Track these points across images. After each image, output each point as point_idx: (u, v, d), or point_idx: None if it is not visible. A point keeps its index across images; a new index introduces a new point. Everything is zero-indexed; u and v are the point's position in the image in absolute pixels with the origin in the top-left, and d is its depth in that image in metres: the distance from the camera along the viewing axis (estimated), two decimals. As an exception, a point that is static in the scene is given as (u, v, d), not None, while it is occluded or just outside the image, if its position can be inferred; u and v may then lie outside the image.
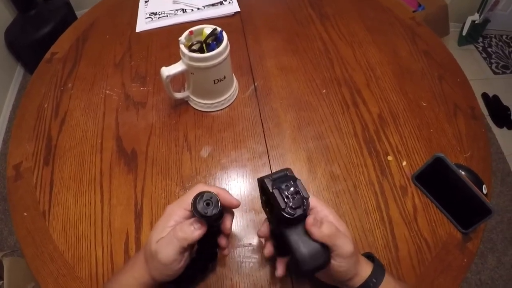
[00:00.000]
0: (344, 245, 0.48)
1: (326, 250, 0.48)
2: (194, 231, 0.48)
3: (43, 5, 2.30)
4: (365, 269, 0.51)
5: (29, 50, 2.20)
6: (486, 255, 1.66)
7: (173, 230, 0.48)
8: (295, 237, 0.49)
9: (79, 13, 2.48)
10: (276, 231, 0.54)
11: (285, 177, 0.50)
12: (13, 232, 0.70)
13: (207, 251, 0.59)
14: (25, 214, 0.72)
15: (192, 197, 0.49)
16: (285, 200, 0.47)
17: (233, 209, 0.55)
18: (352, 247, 0.48)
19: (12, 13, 2.31)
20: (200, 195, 0.49)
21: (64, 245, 0.68)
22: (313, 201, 0.51)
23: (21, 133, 0.85)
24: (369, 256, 0.55)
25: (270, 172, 0.53)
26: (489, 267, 1.63)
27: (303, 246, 0.48)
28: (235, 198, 0.53)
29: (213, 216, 0.48)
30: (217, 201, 0.49)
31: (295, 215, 0.47)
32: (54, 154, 0.81)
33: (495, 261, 1.65)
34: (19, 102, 0.92)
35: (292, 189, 0.48)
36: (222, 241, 0.56)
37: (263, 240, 0.65)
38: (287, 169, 0.51)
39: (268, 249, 0.55)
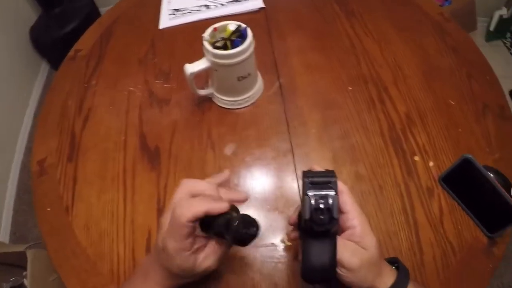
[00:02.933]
0: (349, 259, 0.46)
1: (334, 266, 0.46)
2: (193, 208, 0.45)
3: (67, 2, 2.33)
4: (386, 281, 0.48)
5: (53, 48, 2.23)
6: (509, 257, 1.62)
7: (172, 213, 0.46)
8: (308, 244, 0.46)
9: (103, 10, 2.50)
10: (299, 226, 0.52)
11: (326, 185, 0.45)
12: (38, 224, 0.72)
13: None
14: (49, 209, 0.73)
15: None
16: (311, 212, 0.44)
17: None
18: (357, 263, 0.46)
19: (37, 11, 2.35)
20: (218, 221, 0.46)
21: (87, 241, 0.68)
22: (348, 205, 0.48)
23: (45, 129, 0.86)
24: (395, 262, 0.53)
25: (309, 171, 0.48)
26: (512, 270, 1.59)
27: (312, 256, 0.46)
28: (238, 194, 0.52)
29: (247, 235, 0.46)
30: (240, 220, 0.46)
31: (314, 230, 0.45)
32: (78, 151, 0.81)
33: (518, 264, 1.60)
34: (44, 98, 0.93)
35: (325, 203, 0.44)
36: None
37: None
38: (332, 175, 0.46)
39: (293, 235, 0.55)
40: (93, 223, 0.70)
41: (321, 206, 0.44)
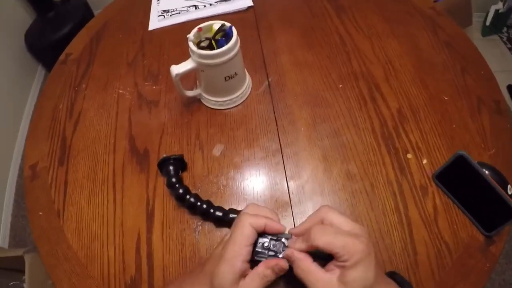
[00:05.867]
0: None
1: None
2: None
3: (61, 6, 2.33)
4: None
5: (49, 52, 2.23)
6: (510, 255, 1.61)
7: (236, 220, 0.50)
8: None
9: (97, 12, 2.50)
10: None
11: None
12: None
13: None
14: (41, 213, 0.73)
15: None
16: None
17: None
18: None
19: (32, 15, 2.35)
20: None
21: (78, 245, 0.68)
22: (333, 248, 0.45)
23: (37, 133, 0.86)
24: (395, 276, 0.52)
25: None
26: (514, 267, 1.58)
27: None
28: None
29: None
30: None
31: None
32: (69, 154, 0.81)
33: (519, 261, 1.59)
34: (38, 102, 0.94)
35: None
36: None
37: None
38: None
39: None
40: (83, 226, 0.70)
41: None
